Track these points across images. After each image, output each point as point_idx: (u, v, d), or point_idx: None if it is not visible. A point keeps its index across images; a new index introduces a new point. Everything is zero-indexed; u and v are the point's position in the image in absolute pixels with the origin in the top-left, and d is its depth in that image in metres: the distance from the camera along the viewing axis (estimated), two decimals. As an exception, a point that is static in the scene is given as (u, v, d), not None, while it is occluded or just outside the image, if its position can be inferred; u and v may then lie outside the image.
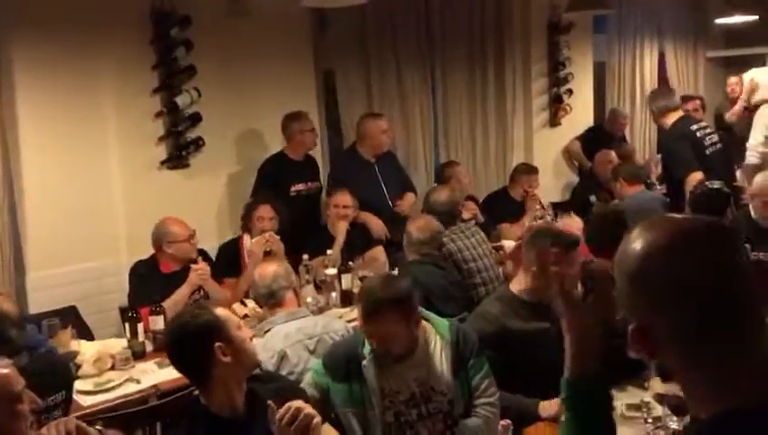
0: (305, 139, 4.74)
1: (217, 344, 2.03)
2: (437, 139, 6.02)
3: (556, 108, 6.64)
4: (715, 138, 5.11)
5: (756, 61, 8.04)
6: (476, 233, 4.12)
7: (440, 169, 5.58)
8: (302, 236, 4.40)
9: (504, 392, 2.71)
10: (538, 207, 5.47)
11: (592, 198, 5.99)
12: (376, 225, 4.76)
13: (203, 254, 4.06)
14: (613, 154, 6.14)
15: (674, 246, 1.06)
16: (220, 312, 2.15)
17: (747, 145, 5.28)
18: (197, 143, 4.61)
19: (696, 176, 4.63)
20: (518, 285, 2.94)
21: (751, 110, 6.72)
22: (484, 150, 6.22)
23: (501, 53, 6.16)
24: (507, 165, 6.12)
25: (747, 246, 3.58)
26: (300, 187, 4.78)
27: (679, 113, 5.07)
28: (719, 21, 7.29)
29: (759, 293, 1.08)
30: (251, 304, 3.68)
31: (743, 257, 1.08)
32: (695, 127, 5.02)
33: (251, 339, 2.22)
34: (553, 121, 6.68)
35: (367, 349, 2.47)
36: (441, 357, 2.52)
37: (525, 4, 6.29)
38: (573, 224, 4.72)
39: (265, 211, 4.21)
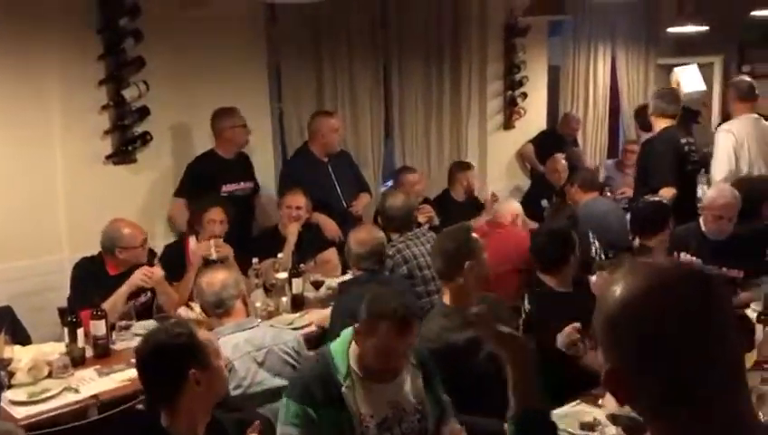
0: (235, 135, 4.54)
1: (192, 371, 1.92)
2: (393, 139, 5.95)
3: (510, 111, 6.65)
4: (697, 157, 5.00)
5: (705, 69, 8.24)
6: (431, 239, 4.06)
7: (396, 174, 5.50)
8: (234, 241, 4.22)
9: (465, 416, 2.70)
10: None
11: (544, 202, 6.02)
12: (329, 226, 4.67)
13: (152, 255, 3.92)
14: (563, 162, 6.16)
15: (650, 296, 1.03)
16: (202, 335, 2.03)
17: (711, 177, 5.06)
18: (145, 138, 4.45)
19: (671, 191, 4.52)
20: (451, 295, 2.94)
21: None
22: (439, 152, 6.18)
23: (457, 55, 6.13)
24: (462, 167, 6.09)
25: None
26: (232, 187, 4.57)
27: (672, 122, 4.87)
28: (671, 30, 7.39)
29: (738, 348, 1.04)
30: (197, 308, 3.56)
31: (724, 311, 1.04)
32: (684, 141, 4.88)
33: (226, 367, 2.12)
34: (507, 124, 6.69)
35: (342, 374, 2.38)
36: (407, 377, 2.50)
37: (482, 5, 6.26)
38: (508, 208, 4.67)
39: (216, 214, 4.07)
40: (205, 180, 4.44)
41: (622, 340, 1.04)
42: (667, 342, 1.00)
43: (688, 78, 6.42)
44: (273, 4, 4.88)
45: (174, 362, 1.93)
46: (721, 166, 4.71)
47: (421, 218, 4.84)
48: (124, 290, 3.56)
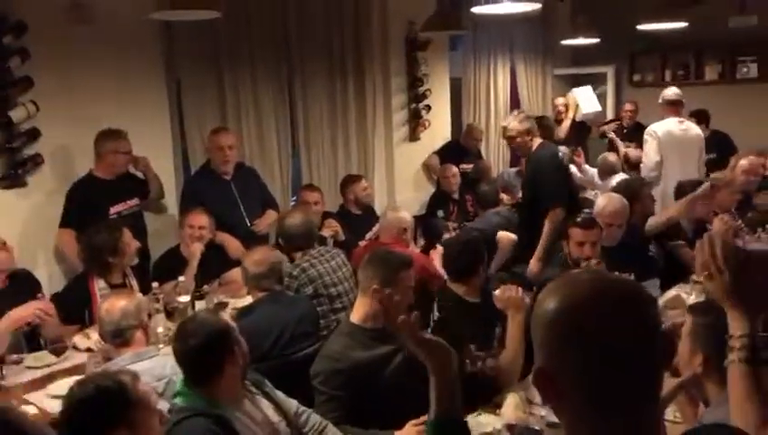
0: (117, 160, 4.35)
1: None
2: (299, 153, 5.92)
3: (415, 123, 6.75)
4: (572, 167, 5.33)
5: (598, 78, 8.64)
6: (336, 255, 4.07)
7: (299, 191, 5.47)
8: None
9: (358, 429, 2.71)
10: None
11: (440, 213, 6.19)
12: (233, 245, 4.59)
13: (26, 275, 3.76)
14: (453, 168, 6.40)
15: (585, 302, 1.10)
16: (137, 390, 1.89)
17: (641, 168, 5.73)
18: (36, 160, 4.27)
19: (561, 213, 4.54)
20: (357, 313, 2.95)
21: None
22: (346, 165, 6.19)
23: (361, 68, 6.17)
24: (369, 179, 6.12)
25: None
26: (119, 207, 4.40)
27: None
28: (565, 42, 7.69)
29: (658, 362, 1.12)
30: (94, 335, 3.44)
31: (651, 324, 1.11)
32: (561, 154, 4.93)
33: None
34: (413, 136, 6.79)
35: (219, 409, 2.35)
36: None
37: (383, 19, 6.33)
38: (398, 220, 4.46)
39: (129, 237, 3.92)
40: (89, 205, 4.23)
41: (553, 340, 1.11)
42: (593, 346, 1.07)
43: (585, 99, 6.93)
44: (172, 23, 4.78)
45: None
46: (650, 156, 5.67)
47: (326, 232, 4.84)
48: (7, 324, 3.30)
